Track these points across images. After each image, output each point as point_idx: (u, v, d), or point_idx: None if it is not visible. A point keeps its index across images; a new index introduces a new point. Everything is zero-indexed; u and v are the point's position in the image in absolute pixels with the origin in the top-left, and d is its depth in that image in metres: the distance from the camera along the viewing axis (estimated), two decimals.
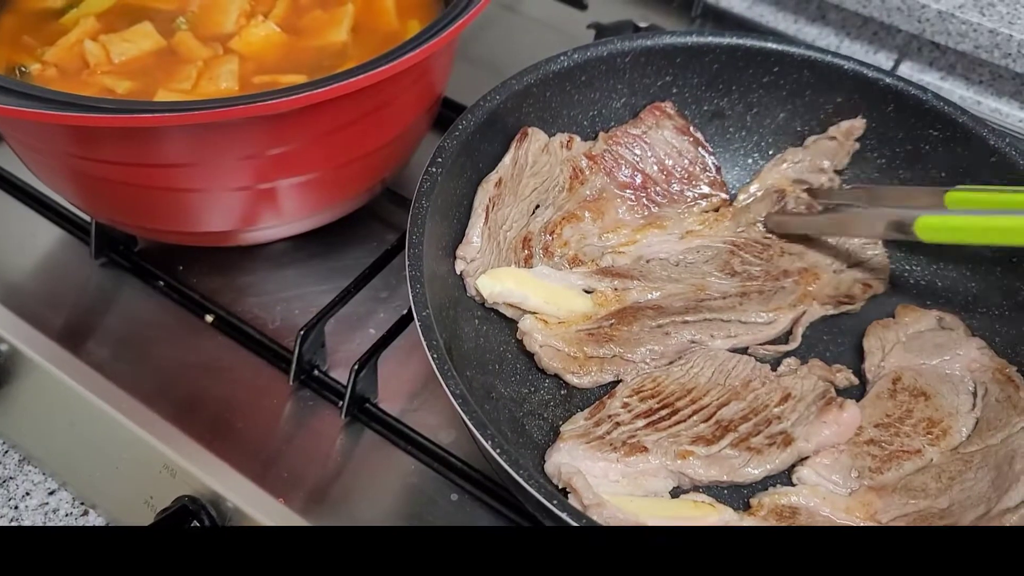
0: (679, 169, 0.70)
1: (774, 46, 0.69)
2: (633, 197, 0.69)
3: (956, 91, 0.98)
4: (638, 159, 0.69)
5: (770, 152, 0.74)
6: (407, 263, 0.54)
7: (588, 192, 0.68)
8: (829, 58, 0.69)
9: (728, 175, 0.73)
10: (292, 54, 0.70)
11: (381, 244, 0.75)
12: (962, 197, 0.60)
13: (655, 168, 0.70)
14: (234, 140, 0.58)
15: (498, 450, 0.46)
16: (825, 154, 0.69)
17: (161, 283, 0.71)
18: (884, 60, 1.00)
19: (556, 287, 0.62)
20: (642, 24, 0.89)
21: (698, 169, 0.70)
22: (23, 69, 0.66)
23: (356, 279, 0.68)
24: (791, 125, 0.72)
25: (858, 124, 0.68)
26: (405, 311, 0.69)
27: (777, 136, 0.73)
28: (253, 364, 0.68)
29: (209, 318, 0.69)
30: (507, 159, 0.65)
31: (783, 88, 0.71)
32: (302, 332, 0.64)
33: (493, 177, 0.64)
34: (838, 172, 0.70)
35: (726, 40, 0.69)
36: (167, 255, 0.73)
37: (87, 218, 0.72)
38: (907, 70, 0.98)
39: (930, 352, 0.63)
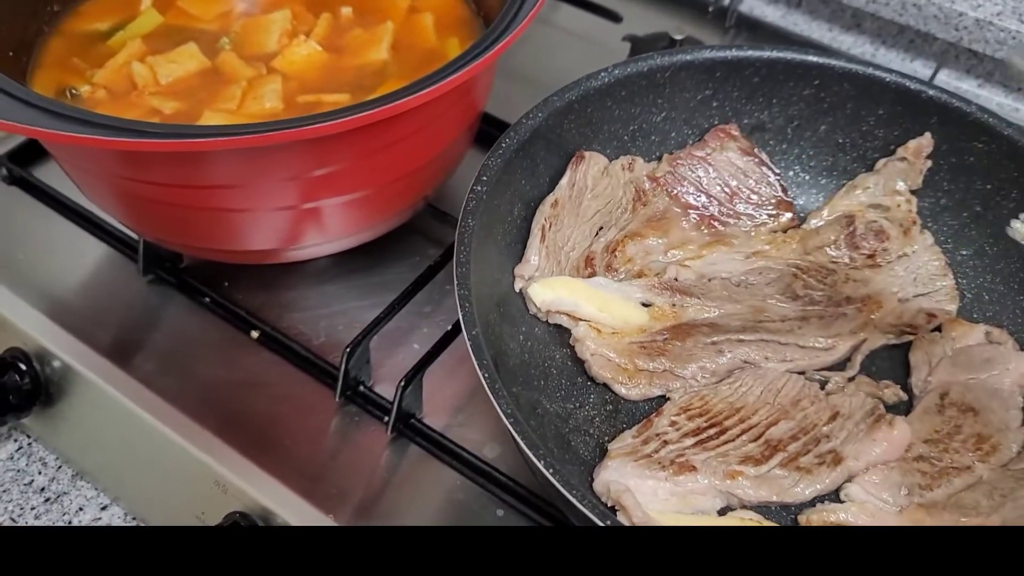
0: (744, 189, 0.70)
1: (815, 59, 0.69)
2: (698, 217, 0.69)
3: (994, 98, 0.97)
4: (701, 180, 0.69)
5: (811, 164, 0.73)
6: (456, 282, 0.54)
7: (651, 212, 0.68)
8: (870, 71, 0.68)
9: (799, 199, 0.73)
10: (334, 73, 0.71)
11: (422, 259, 0.75)
12: None
13: (719, 189, 0.70)
14: (280, 162, 0.59)
15: (551, 470, 0.46)
16: (898, 176, 0.69)
17: (207, 299, 0.72)
18: (921, 68, 0.99)
19: (612, 297, 0.63)
20: (677, 36, 0.89)
21: (764, 189, 0.70)
22: (74, 91, 0.67)
23: (400, 295, 0.68)
24: (832, 137, 0.72)
25: (926, 142, 0.68)
26: (448, 326, 0.69)
27: (818, 149, 0.73)
28: (298, 379, 0.68)
29: (255, 334, 0.70)
30: (564, 181, 0.65)
31: (824, 101, 0.70)
32: (348, 349, 0.64)
33: (550, 199, 0.65)
34: (913, 193, 0.70)
35: (766, 54, 0.69)
36: (212, 272, 0.74)
37: (135, 236, 0.73)
38: (944, 78, 0.98)
39: (978, 367, 0.63)
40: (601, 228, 0.68)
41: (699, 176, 0.70)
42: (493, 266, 0.61)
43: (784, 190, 0.71)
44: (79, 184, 0.67)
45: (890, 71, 0.68)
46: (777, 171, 0.72)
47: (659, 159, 0.71)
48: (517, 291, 0.63)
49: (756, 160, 0.71)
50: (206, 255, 0.70)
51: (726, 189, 0.71)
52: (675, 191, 0.70)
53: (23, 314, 0.69)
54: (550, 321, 0.64)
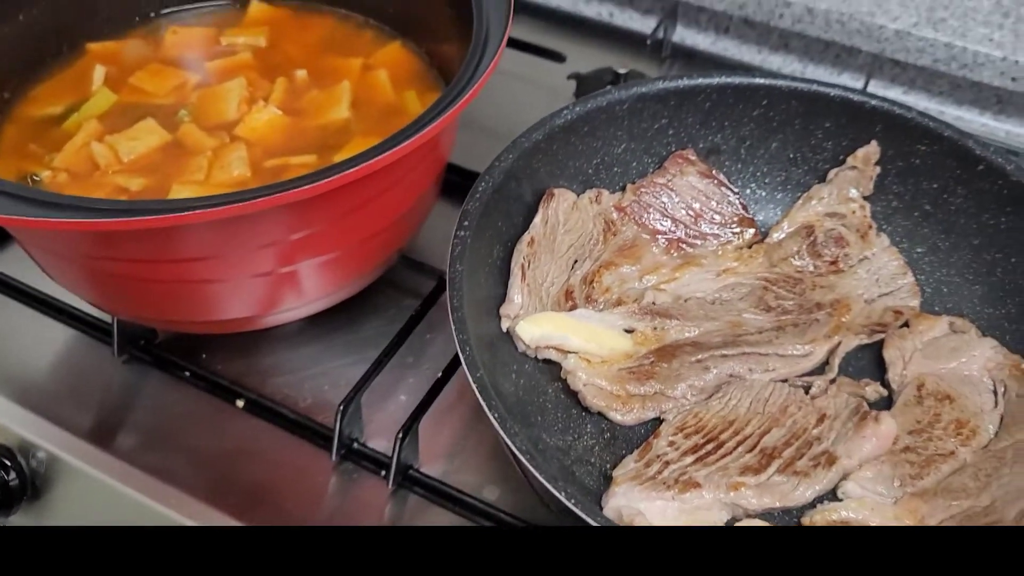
0: (707, 211, 0.72)
1: (761, 81, 0.72)
2: (666, 242, 0.72)
3: (920, 103, 1.02)
4: (666, 206, 0.72)
5: (766, 181, 0.77)
6: (454, 327, 0.55)
7: (622, 241, 0.70)
8: (815, 87, 0.72)
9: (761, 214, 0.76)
10: (297, 135, 0.71)
11: (399, 311, 0.76)
12: None
13: (683, 212, 0.72)
14: (255, 229, 0.59)
15: (572, 500, 0.47)
16: (850, 184, 0.72)
17: (187, 373, 0.71)
18: (850, 80, 1.04)
19: (596, 327, 0.64)
20: (621, 70, 0.92)
21: (725, 208, 0.73)
22: (35, 177, 0.66)
23: (386, 348, 0.68)
24: (784, 153, 0.75)
25: (872, 149, 0.72)
26: (433, 374, 0.70)
27: (772, 165, 0.76)
28: (290, 443, 0.68)
29: (240, 402, 0.70)
30: (537, 219, 0.67)
31: (773, 120, 0.74)
32: (341, 407, 0.64)
33: (526, 238, 0.66)
34: (866, 198, 0.73)
35: (715, 80, 0.72)
36: (188, 344, 0.73)
37: (106, 318, 0.72)
38: (872, 87, 1.02)
39: (947, 356, 0.66)
40: (576, 261, 0.70)
41: (663, 202, 0.73)
42: (480, 309, 0.62)
43: (744, 208, 0.74)
44: (46, 268, 0.66)
45: (833, 86, 0.72)
46: (736, 190, 0.74)
47: (623, 189, 0.74)
48: (504, 331, 0.64)
49: (715, 182, 0.74)
50: (182, 328, 0.69)
51: (690, 212, 0.73)
52: (642, 219, 0.72)
53: (2, 409, 0.67)
54: (539, 357, 0.65)
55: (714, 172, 0.74)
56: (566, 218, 0.69)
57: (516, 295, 0.64)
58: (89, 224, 0.51)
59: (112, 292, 0.65)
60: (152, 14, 0.81)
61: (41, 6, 0.74)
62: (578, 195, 0.71)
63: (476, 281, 0.62)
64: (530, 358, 0.65)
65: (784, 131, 0.74)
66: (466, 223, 0.60)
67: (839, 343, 0.67)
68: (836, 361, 0.66)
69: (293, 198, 0.54)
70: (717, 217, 0.74)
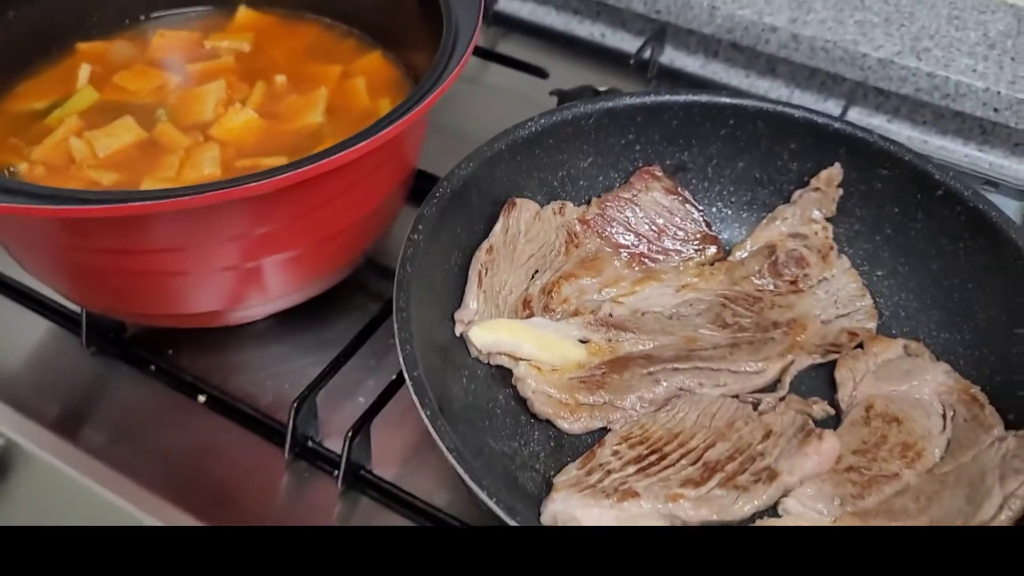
0: (670, 227, 0.73)
1: (727, 100, 0.73)
2: (628, 256, 0.73)
3: (903, 132, 1.03)
4: (630, 220, 0.73)
5: (732, 200, 0.77)
6: (396, 326, 0.56)
7: (584, 253, 0.71)
8: (780, 108, 0.73)
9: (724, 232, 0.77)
10: (271, 138, 0.73)
11: (365, 314, 0.77)
12: None
13: (647, 227, 0.73)
14: (220, 222, 0.60)
15: (494, 499, 0.48)
16: (813, 205, 0.73)
17: (152, 367, 0.72)
18: (834, 107, 1.05)
19: (550, 336, 0.65)
20: (602, 88, 0.93)
21: (689, 225, 0.74)
22: (12, 169, 0.68)
23: (344, 349, 0.69)
24: (750, 173, 0.76)
25: (836, 171, 0.72)
26: (394, 377, 0.71)
27: (738, 184, 0.77)
28: (248, 441, 0.69)
29: (202, 399, 0.71)
30: (497, 227, 0.68)
31: (739, 139, 0.75)
32: (295, 404, 0.65)
33: (484, 245, 0.67)
34: (829, 220, 0.74)
35: (682, 98, 0.73)
36: (156, 339, 0.74)
37: (76, 309, 0.74)
38: (856, 115, 1.03)
39: (899, 378, 0.66)
40: (536, 271, 0.71)
41: (627, 216, 0.74)
42: (435, 313, 0.63)
43: (708, 225, 0.75)
44: (17, 258, 0.68)
45: (798, 107, 0.73)
46: (700, 208, 0.75)
47: (588, 203, 0.75)
48: (457, 335, 0.65)
49: (680, 198, 0.75)
50: (151, 321, 0.71)
51: (653, 227, 0.74)
52: (605, 232, 0.73)
53: None
54: (492, 363, 0.65)
55: (679, 189, 0.75)
56: (528, 228, 0.70)
57: (471, 301, 0.65)
58: (49, 211, 0.53)
59: (80, 282, 0.67)
60: (142, 17, 0.84)
61: (34, 6, 0.76)
62: (542, 206, 0.72)
63: (431, 287, 0.63)
64: (483, 364, 0.66)
65: (750, 151, 0.75)
66: (420, 227, 0.62)
67: (792, 362, 0.67)
68: (788, 379, 0.67)
69: (257, 191, 0.55)
70: (680, 233, 0.74)
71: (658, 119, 0.74)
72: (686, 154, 0.76)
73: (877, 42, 0.99)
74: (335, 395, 0.71)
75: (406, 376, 0.53)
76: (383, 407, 0.66)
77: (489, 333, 0.64)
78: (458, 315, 0.65)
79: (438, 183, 0.65)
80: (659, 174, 0.75)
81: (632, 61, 1.01)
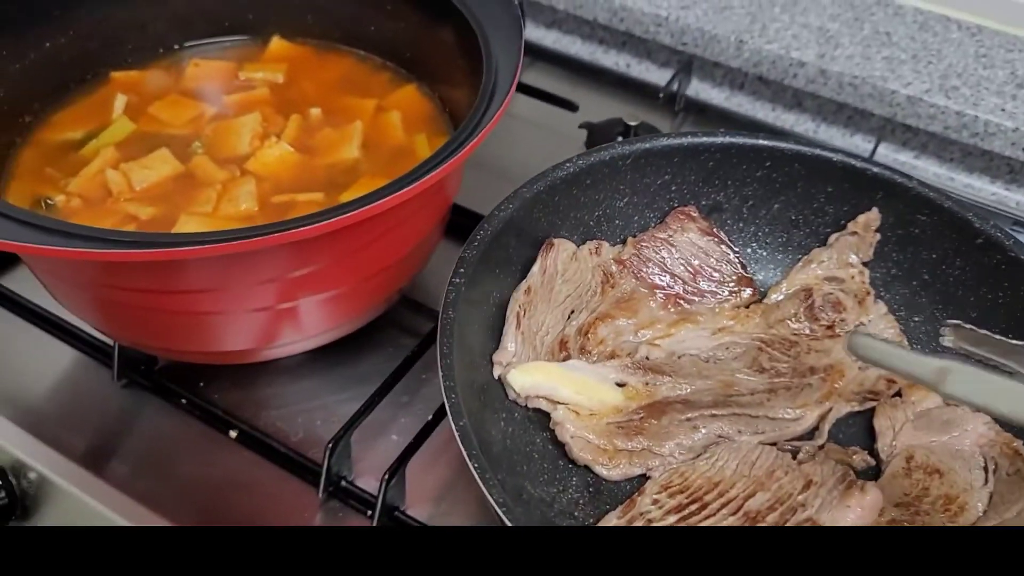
0: (706, 268, 0.73)
1: (765, 143, 0.73)
2: (664, 297, 0.72)
3: (930, 168, 1.03)
4: (665, 261, 0.73)
5: (767, 241, 0.77)
6: (441, 374, 0.56)
7: (620, 294, 0.71)
8: (818, 151, 0.73)
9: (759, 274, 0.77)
10: (306, 172, 0.73)
11: (397, 349, 0.77)
12: None
13: (682, 268, 0.73)
14: (258, 265, 0.60)
15: None
16: (850, 249, 0.72)
17: (183, 401, 0.72)
18: (861, 142, 1.05)
19: (587, 379, 0.65)
20: (632, 123, 0.93)
21: (724, 267, 0.74)
22: (49, 201, 0.68)
23: (380, 387, 0.69)
24: (785, 215, 0.76)
25: (873, 216, 0.72)
26: (426, 415, 0.70)
27: (773, 226, 0.76)
28: (279, 477, 0.68)
29: (233, 433, 0.70)
30: (535, 268, 0.68)
31: (776, 181, 0.74)
32: (330, 444, 0.65)
33: (523, 286, 0.67)
34: (865, 264, 0.73)
35: (719, 139, 0.73)
36: (187, 372, 0.74)
37: (108, 341, 0.73)
38: (882, 150, 1.03)
39: (939, 429, 0.65)
40: (572, 312, 0.71)
41: (663, 257, 0.73)
42: (473, 354, 0.63)
43: (744, 267, 0.75)
44: (53, 292, 0.67)
45: (836, 151, 0.73)
46: (736, 249, 0.75)
47: (623, 242, 0.74)
48: (496, 378, 0.64)
49: (715, 239, 0.75)
50: (181, 357, 0.70)
51: (689, 268, 0.74)
52: (641, 272, 0.73)
53: None
54: (529, 406, 0.65)
55: (715, 229, 0.75)
56: (564, 268, 0.70)
57: (510, 343, 0.65)
58: (87, 254, 0.52)
59: (114, 319, 0.66)
60: (176, 46, 0.84)
61: (69, 35, 0.76)
62: (578, 246, 0.72)
63: (471, 327, 0.63)
64: (520, 406, 0.65)
65: (787, 193, 0.75)
66: (462, 270, 0.61)
67: (830, 409, 0.67)
68: (826, 427, 0.66)
69: (296, 237, 0.55)
70: (716, 275, 0.74)
71: (695, 159, 0.74)
72: (722, 195, 0.76)
73: (905, 79, 0.99)
74: (368, 432, 0.70)
75: (452, 426, 0.53)
76: (419, 448, 0.66)
77: (528, 376, 0.63)
78: (496, 357, 0.64)
79: (479, 226, 0.65)
80: (695, 214, 0.75)
81: (661, 95, 1.01)
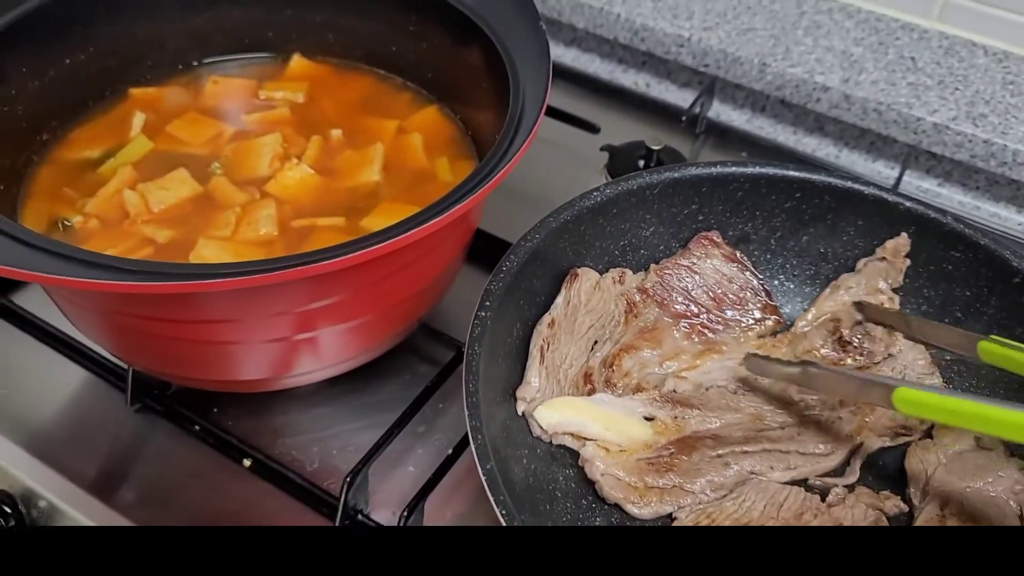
0: (730, 295, 0.72)
1: (795, 174, 0.72)
2: (688, 325, 0.71)
3: (955, 196, 1.02)
4: (688, 288, 0.71)
5: (795, 273, 0.76)
6: (467, 412, 0.54)
7: (643, 323, 0.69)
8: (849, 184, 0.71)
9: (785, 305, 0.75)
10: (327, 195, 0.71)
11: (414, 376, 0.75)
12: (993, 350, 0.59)
13: (706, 296, 0.71)
14: (277, 296, 0.58)
15: None
16: (879, 275, 0.71)
17: (196, 427, 0.70)
18: (884, 168, 1.04)
19: (615, 414, 0.63)
20: (655, 146, 0.91)
21: (748, 294, 0.72)
22: (66, 223, 0.67)
23: (398, 419, 0.67)
24: (814, 247, 0.74)
25: (903, 241, 0.70)
26: (443, 445, 0.70)
27: (801, 258, 0.75)
28: (294, 508, 0.67)
29: (247, 462, 0.69)
30: (559, 300, 0.66)
31: (805, 213, 0.73)
32: (348, 478, 0.63)
33: (546, 319, 0.65)
34: (896, 291, 0.72)
35: (749, 170, 0.72)
36: (201, 398, 0.72)
37: (122, 364, 0.72)
38: (906, 177, 1.02)
39: (972, 474, 0.64)
40: (596, 342, 0.69)
41: (686, 285, 0.72)
42: (496, 391, 0.61)
43: (768, 294, 0.73)
44: (66, 314, 0.66)
45: (868, 184, 0.71)
46: (760, 276, 0.73)
47: (647, 270, 0.73)
48: (519, 414, 0.63)
49: (739, 265, 0.73)
50: (196, 384, 0.69)
51: (712, 296, 0.72)
52: (664, 301, 0.71)
53: (9, 454, 0.67)
54: (554, 442, 0.63)
55: (738, 255, 0.73)
56: (588, 298, 0.68)
57: (533, 378, 0.63)
58: (107, 285, 0.50)
59: (128, 345, 0.65)
60: (195, 63, 0.82)
61: (89, 52, 0.75)
62: (601, 275, 0.70)
63: (494, 361, 0.61)
64: (544, 442, 0.64)
65: (816, 225, 0.73)
66: (488, 303, 0.60)
67: (861, 444, 0.65)
68: (857, 464, 0.65)
69: (319, 271, 0.53)
70: (740, 302, 0.72)
71: (723, 189, 0.72)
72: (749, 225, 0.74)
73: (932, 106, 0.97)
74: (385, 463, 0.69)
75: (479, 469, 0.51)
76: (438, 483, 0.64)
77: (555, 413, 0.62)
78: (520, 392, 0.63)
79: (504, 257, 0.63)
80: (718, 239, 0.73)
81: (683, 118, 1.00)
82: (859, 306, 0.71)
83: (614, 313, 0.71)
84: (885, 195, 0.71)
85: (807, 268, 0.75)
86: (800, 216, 0.73)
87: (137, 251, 0.65)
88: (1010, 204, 1.00)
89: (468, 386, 0.55)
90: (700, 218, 0.74)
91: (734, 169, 0.72)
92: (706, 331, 0.72)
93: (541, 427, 0.62)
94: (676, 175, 0.71)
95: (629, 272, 0.72)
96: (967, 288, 0.69)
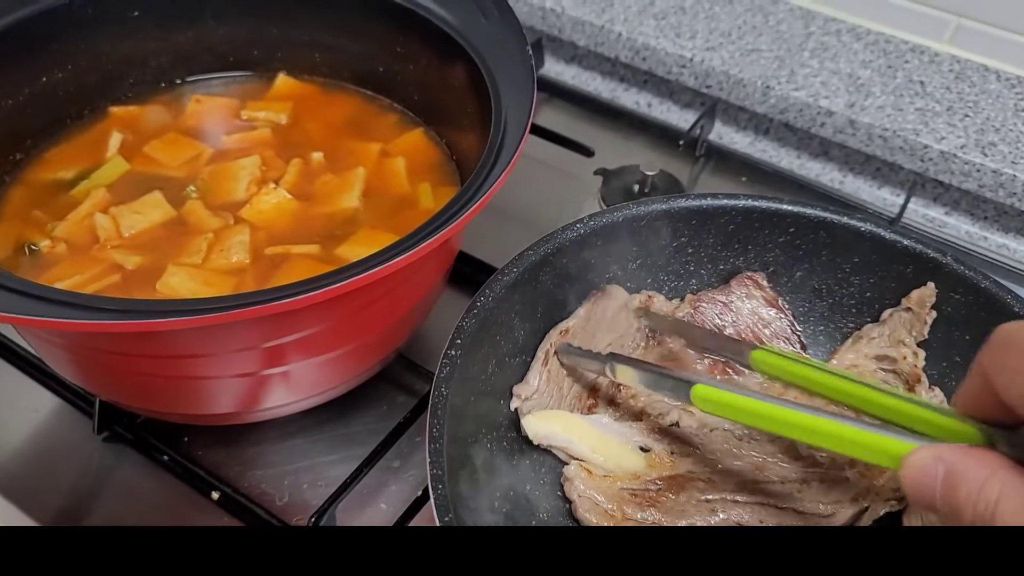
0: (761, 340, 0.69)
1: (789, 208, 0.69)
2: (711, 362, 0.68)
3: (962, 226, 0.98)
4: (721, 326, 0.68)
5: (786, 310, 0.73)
6: (428, 460, 0.51)
7: (665, 351, 0.67)
8: (844, 220, 0.68)
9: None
10: (304, 222, 0.69)
11: (391, 407, 0.73)
12: (764, 358, 0.59)
13: (736, 336, 0.69)
14: (244, 332, 0.56)
15: None
16: (903, 327, 0.67)
17: (165, 457, 0.69)
18: (889, 195, 1.00)
19: (608, 438, 0.61)
20: (649, 172, 0.89)
21: (781, 342, 0.69)
22: (33, 247, 0.65)
23: (369, 455, 0.65)
24: (808, 283, 0.71)
25: (928, 291, 0.67)
26: (416, 483, 0.67)
27: (795, 295, 0.72)
28: None
29: (215, 495, 0.67)
30: (581, 311, 0.64)
31: (799, 248, 0.70)
32: (313, 519, 0.61)
33: (561, 326, 0.64)
34: (920, 345, 0.68)
35: (740, 203, 0.69)
36: (171, 427, 0.70)
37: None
38: (912, 204, 0.99)
39: None
40: None
41: (718, 322, 0.69)
42: (468, 427, 0.59)
43: (803, 345, 0.70)
44: (32, 347, 0.64)
45: (866, 219, 0.68)
46: (798, 326, 0.70)
47: (682, 298, 0.71)
48: (512, 410, 0.61)
49: (779, 311, 0.70)
50: (164, 417, 0.67)
51: (743, 338, 0.69)
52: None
53: None
54: (543, 446, 0.61)
55: (780, 302, 0.70)
56: (613, 316, 0.66)
57: (533, 378, 0.61)
58: (56, 324, 0.48)
59: (92, 378, 0.63)
60: (178, 80, 0.81)
61: (67, 70, 0.73)
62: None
63: (464, 398, 0.59)
64: (510, 489, 0.61)
65: (810, 261, 0.70)
66: (459, 341, 0.57)
67: (867, 508, 0.62)
68: None
69: (283, 308, 0.50)
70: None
71: (714, 223, 0.70)
72: (741, 260, 0.71)
73: (939, 133, 0.94)
74: (356, 500, 0.67)
75: (436, 519, 0.49)
76: (409, 523, 0.62)
77: (544, 425, 0.60)
78: (517, 389, 0.61)
79: (479, 291, 0.61)
80: (762, 282, 0.70)
81: (682, 142, 0.97)
82: (643, 312, 0.68)
83: (635, 336, 0.68)
84: (882, 232, 0.68)
85: (800, 305, 0.72)
86: (794, 251, 0.70)
87: (103, 278, 0.63)
88: (1019, 235, 0.96)
89: (432, 431, 0.52)
90: (690, 251, 0.71)
91: (725, 202, 0.69)
92: (730, 371, 0.69)
93: (527, 432, 0.60)
94: (664, 207, 0.68)
95: (658, 296, 0.70)
96: (967, 332, 0.66)
